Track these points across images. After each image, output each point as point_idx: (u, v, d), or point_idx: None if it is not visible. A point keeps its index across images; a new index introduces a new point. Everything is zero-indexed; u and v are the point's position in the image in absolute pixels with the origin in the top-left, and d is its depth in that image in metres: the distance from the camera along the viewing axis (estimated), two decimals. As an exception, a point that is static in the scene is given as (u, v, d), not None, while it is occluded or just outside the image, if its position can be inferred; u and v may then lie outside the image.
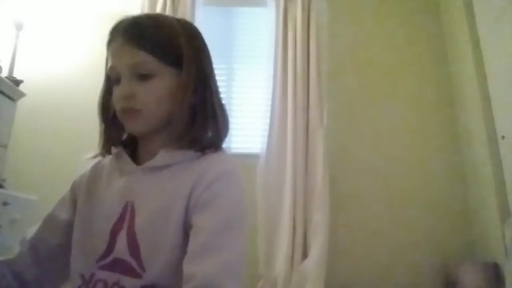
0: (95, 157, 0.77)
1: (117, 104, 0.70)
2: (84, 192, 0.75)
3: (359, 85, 2.53)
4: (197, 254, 0.59)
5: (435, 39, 2.61)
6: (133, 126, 0.71)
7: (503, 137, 2.03)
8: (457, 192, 2.35)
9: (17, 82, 2.16)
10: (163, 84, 0.70)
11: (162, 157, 0.70)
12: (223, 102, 0.78)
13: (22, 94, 2.11)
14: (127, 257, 0.64)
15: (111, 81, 0.73)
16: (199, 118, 0.72)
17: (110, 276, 0.64)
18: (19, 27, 2.32)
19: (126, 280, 0.63)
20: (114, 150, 0.77)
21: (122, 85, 0.69)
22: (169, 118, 0.71)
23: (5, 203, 1.66)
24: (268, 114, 2.38)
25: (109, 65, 0.72)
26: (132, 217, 0.67)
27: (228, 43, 2.68)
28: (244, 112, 2.58)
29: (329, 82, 2.40)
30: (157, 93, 0.69)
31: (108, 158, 0.79)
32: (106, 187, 0.74)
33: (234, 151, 2.47)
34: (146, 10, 2.42)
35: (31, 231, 0.77)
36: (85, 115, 2.34)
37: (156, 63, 0.69)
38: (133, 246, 0.64)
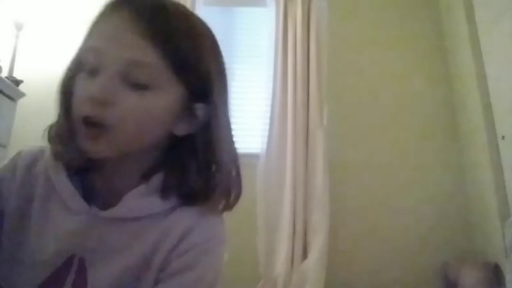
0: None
1: (80, 107, 0.47)
2: (15, 198, 0.53)
3: (359, 85, 2.53)
4: None
5: (435, 39, 2.61)
6: (92, 148, 0.48)
7: (503, 137, 2.03)
8: (457, 192, 2.35)
9: (17, 82, 2.16)
10: (162, 103, 0.49)
11: (129, 206, 0.51)
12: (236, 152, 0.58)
13: (22, 94, 2.11)
14: None
15: (82, 67, 0.49)
16: (193, 159, 0.52)
17: None
18: (19, 27, 2.32)
19: None
20: (51, 161, 0.54)
21: (99, 80, 0.46)
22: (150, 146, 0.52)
23: (5, 203, 1.66)
24: (268, 114, 2.38)
25: (89, 44, 0.49)
26: (81, 278, 0.49)
27: (228, 43, 2.67)
28: (244, 112, 2.58)
29: (329, 82, 2.40)
30: (149, 112, 0.48)
31: (44, 161, 0.56)
32: (40, 215, 0.52)
33: (234, 151, 2.47)
34: (146, 10, 2.42)
35: None
36: (85, 115, 2.34)
37: (164, 70, 0.47)
38: None
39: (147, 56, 0.46)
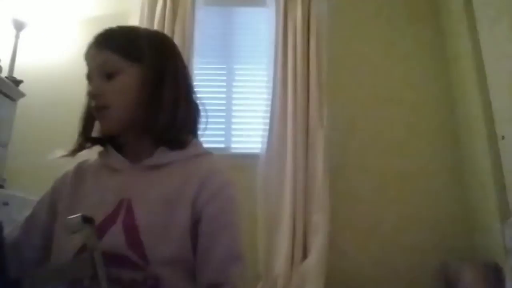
0: (66, 156, 0.78)
1: (91, 104, 0.76)
2: (67, 194, 0.77)
3: (359, 85, 2.53)
4: (222, 266, 0.68)
5: (435, 39, 2.61)
6: (106, 126, 0.75)
7: (503, 137, 2.03)
8: (457, 192, 2.35)
9: (17, 82, 2.16)
10: (128, 79, 0.75)
11: (160, 156, 0.75)
12: (196, 100, 0.83)
13: (22, 94, 2.11)
14: (124, 251, 0.65)
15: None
16: (162, 112, 0.74)
17: None
18: (19, 27, 2.32)
19: (123, 272, 0.64)
20: (97, 149, 0.80)
21: (91, 85, 0.75)
22: (142, 115, 0.75)
23: (5, 203, 1.66)
24: (268, 114, 2.37)
25: (86, 73, 0.78)
26: (130, 213, 0.69)
27: (228, 43, 2.68)
28: (244, 112, 2.58)
29: (329, 82, 2.40)
30: (122, 88, 0.74)
31: (92, 159, 0.82)
32: (93, 186, 0.76)
33: (234, 151, 2.48)
34: (146, 10, 2.42)
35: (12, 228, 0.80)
36: (85, 115, 2.34)
37: (119, 60, 0.74)
38: (134, 241, 0.65)
39: (105, 55, 0.74)
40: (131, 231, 0.66)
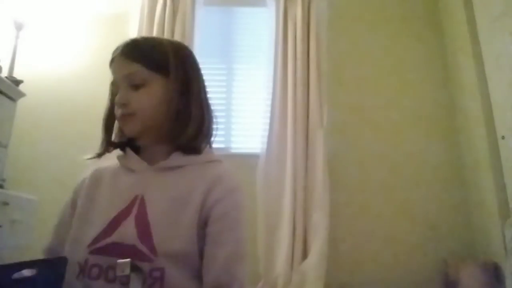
0: (93, 158, 0.84)
1: (116, 112, 0.80)
2: (84, 195, 0.81)
3: (359, 85, 2.53)
4: (227, 264, 0.70)
5: (435, 39, 2.61)
6: (129, 127, 0.80)
7: (503, 137, 2.03)
8: (457, 192, 2.35)
9: (17, 82, 2.16)
10: (153, 90, 0.79)
11: (175, 159, 0.80)
12: (212, 110, 0.87)
13: (22, 94, 2.11)
14: (135, 242, 0.69)
15: (114, 95, 0.82)
16: (191, 124, 0.80)
17: (104, 260, 0.68)
18: (19, 27, 2.32)
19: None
20: (117, 152, 0.86)
21: (119, 94, 0.79)
22: (162, 122, 0.79)
23: (5, 203, 1.66)
24: (268, 114, 2.38)
25: (111, 80, 0.83)
26: (143, 208, 0.73)
27: (228, 43, 2.68)
28: (244, 112, 2.58)
29: (329, 82, 2.40)
30: (149, 98, 0.79)
31: (108, 163, 0.87)
32: (109, 185, 0.81)
33: (234, 151, 2.48)
34: (146, 10, 2.42)
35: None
36: (85, 115, 2.35)
37: (146, 72, 0.79)
38: (145, 233, 0.70)
39: (133, 67, 0.79)
40: (143, 225, 0.71)
